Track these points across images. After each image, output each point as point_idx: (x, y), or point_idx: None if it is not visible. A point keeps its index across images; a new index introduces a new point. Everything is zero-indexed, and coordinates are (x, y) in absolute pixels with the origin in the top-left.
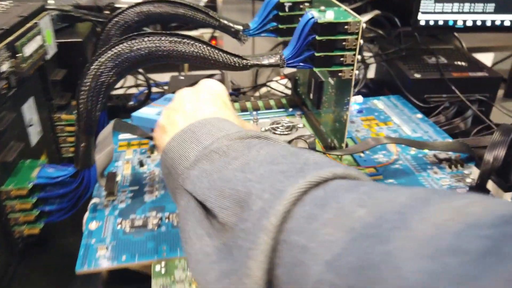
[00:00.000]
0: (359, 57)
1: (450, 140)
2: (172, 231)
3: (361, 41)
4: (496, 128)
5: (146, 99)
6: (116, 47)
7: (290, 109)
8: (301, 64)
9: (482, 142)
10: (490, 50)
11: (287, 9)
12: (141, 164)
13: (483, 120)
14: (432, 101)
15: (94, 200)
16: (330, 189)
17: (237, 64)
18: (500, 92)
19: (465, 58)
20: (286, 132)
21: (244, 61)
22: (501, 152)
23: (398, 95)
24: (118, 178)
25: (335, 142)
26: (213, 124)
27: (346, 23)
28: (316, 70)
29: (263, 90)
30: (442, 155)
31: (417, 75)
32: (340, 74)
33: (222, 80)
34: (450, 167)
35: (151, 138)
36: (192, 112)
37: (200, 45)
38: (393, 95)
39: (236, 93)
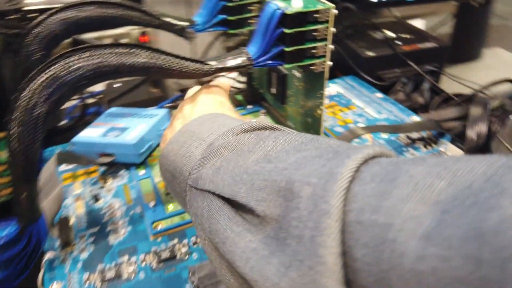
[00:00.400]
0: (332, 46)
1: (418, 119)
2: (153, 276)
3: (333, 29)
4: (473, 103)
5: (83, 115)
6: (50, 69)
7: (249, 106)
8: (270, 62)
9: (446, 114)
10: (420, 17)
11: None
12: (96, 198)
13: (439, 92)
14: (387, 78)
15: (48, 255)
16: (386, 164)
17: (198, 71)
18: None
19: (408, 29)
20: None
21: (206, 66)
22: (483, 128)
23: (352, 75)
24: (72, 222)
25: None
26: (212, 120)
27: (316, 11)
28: (287, 66)
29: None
30: (415, 135)
31: (370, 53)
32: (312, 67)
33: (162, 81)
34: (425, 146)
35: (101, 164)
36: (189, 114)
37: (153, 54)
38: (347, 76)
39: (183, 95)
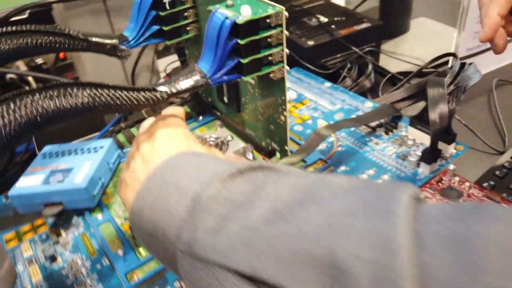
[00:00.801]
0: (287, 50)
1: (371, 104)
2: None
3: (287, 33)
4: (428, 84)
5: (12, 156)
6: None
7: (200, 118)
8: (226, 77)
9: (396, 95)
10: None
11: (167, 6)
12: (52, 258)
13: (382, 72)
14: (330, 65)
15: None
16: (444, 219)
17: (150, 101)
18: None
19: (338, 11)
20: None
21: (158, 93)
22: (444, 108)
23: (296, 67)
24: None
25: (273, 145)
26: (186, 163)
27: (268, 17)
28: (245, 79)
29: None
30: (374, 122)
31: (311, 42)
32: (271, 75)
33: None
34: (386, 133)
35: (48, 216)
36: (150, 154)
37: (94, 91)
38: (292, 69)
39: (124, 115)
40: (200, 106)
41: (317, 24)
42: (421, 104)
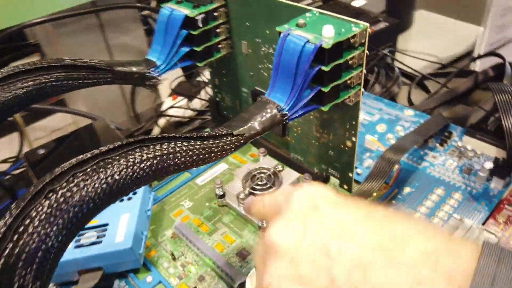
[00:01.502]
0: (364, 71)
1: (411, 111)
2: None
3: (367, 52)
4: (493, 91)
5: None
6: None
7: None
8: (306, 109)
9: (435, 101)
10: None
11: (200, 24)
12: None
13: (410, 75)
14: None
15: None
16: None
17: (228, 148)
18: None
19: (354, 12)
20: (273, 187)
21: (234, 138)
22: None
23: None
24: None
25: (332, 172)
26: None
27: (353, 36)
28: (324, 109)
29: (162, 122)
30: None
31: None
32: (347, 101)
33: (106, 126)
34: (441, 145)
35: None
36: (310, 255)
37: (167, 145)
38: None
39: None
40: None
41: None
42: (462, 109)
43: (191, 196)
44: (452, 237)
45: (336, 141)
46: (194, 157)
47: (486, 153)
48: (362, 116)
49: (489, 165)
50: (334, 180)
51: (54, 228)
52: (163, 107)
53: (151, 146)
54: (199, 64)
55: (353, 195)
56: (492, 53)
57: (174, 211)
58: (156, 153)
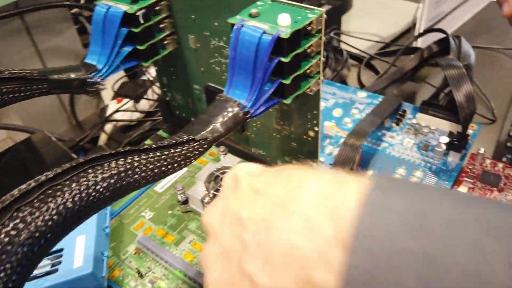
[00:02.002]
0: (323, 58)
1: (364, 93)
2: None
3: (324, 38)
4: (442, 67)
5: None
6: None
7: None
8: (268, 104)
9: (385, 81)
10: None
11: (141, 20)
12: None
13: (358, 56)
14: None
15: None
16: None
17: (191, 156)
18: None
19: None
20: None
21: (197, 143)
22: (468, 88)
23: None
24: None
25: (294, 163)
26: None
27: (310, 23)
28: (287, 102)
29: (108, 128)
30: None
31: None
32: (308, 91)
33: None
34: (397, 124)
35: None
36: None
37: (121, 163)
38: None
39: (82, 152)
40: (179, 128)
41: None
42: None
43: (151, 206)
44: (347, 176)
45: (298, 132)
46: (156, 170)
47: (440, 128)
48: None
49: (444, 139)
50: None
51: (2, 274)
52: (108, 112)
53: (106, 164)
54: (144, 64)
55: None
56: (434, 29)
57: (135, 224)
58: (113, 172)
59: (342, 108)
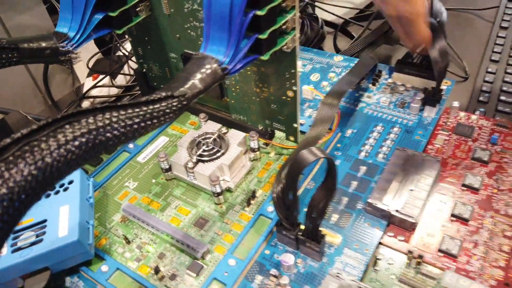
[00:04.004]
0: (298, 14)
1: (340, 57)
2: None
3: None
4: None
5: None
6: None
7: None
8: (247, 60)
9: (361, 44)
10: None
11: None
12: None
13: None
14: None
15: None
16: None
17: (171, 112)
18: None
19: None
20: (221, 151)
21: (175, 99)
22: (442, 44)
23: None
24: None
25: (276, 126)
26: None
27: None
28: (264, 58)
29: (86, 105)
30: None
31: None
32: (284, 48)
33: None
34: (373, 84)
35: None
36: None
37: (94, 120)
38: None
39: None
40: None
41: None
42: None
43: (135, 176)
44: None
45: (277, 93)
46: (135, 126)
47: (415, 85)
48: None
49: (420, 95)
50: (280, 134)
51: None
52: (84, 89)
53: (83, 120)
54: (117, 32)
55: (300, 144)
56: None
57: (119, 194)
58: (91, 127)
59: (319, 72)
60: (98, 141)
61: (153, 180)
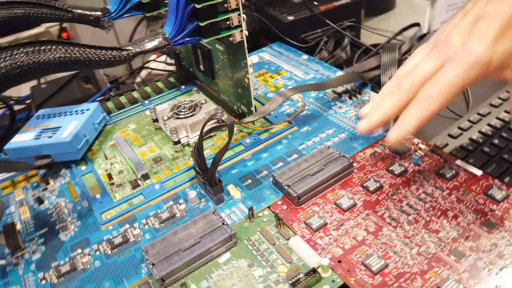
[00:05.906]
0: (244, 15)
1: (341, 72)
2: (109, 262)
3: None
4: (382, 49)
5: (12, 123)
6: None
7: (183, 87)
8: (188, 39)
9: (367, 65)
10: None
11: None
12: (40, 201)
13: (358, 45)
14: (310, 39)
15: (0, 263)
16: None
17: (117, 58)
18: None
19: None
20: (191, 113)
21: (125, 52)
22: (393, 71)
23: (278, 42)
24: (19, 227)
25: (242, 108)
26: None
27: None
28: (205, 41)
29: (143, 74)
30: (340, 89)
31: (290, 18)
32: (230, 39)
33: (92, 75)
34: (350, 98)
35: (39, 167)
36: None
37: (66, 48)
38: (274, 43)
39: (116, 86)
40: (184, 77)
41: (299, 1)
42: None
43: (137, 121)
44: None
45: (240, 79)
46: (91, 58)
47: None
48: (299, 74)
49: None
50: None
51: None
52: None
53: (54, 45)
54: (147, 14)
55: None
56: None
57: (121, 130)
58: (57, 51)
59: (316, 81)
60: (64, 60)
61: (147, 127)
